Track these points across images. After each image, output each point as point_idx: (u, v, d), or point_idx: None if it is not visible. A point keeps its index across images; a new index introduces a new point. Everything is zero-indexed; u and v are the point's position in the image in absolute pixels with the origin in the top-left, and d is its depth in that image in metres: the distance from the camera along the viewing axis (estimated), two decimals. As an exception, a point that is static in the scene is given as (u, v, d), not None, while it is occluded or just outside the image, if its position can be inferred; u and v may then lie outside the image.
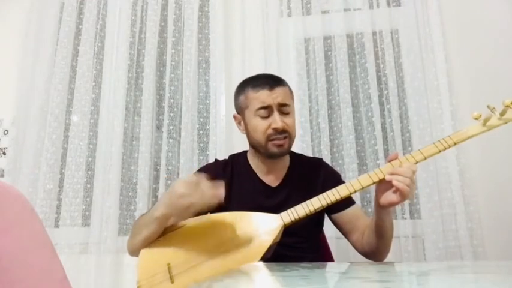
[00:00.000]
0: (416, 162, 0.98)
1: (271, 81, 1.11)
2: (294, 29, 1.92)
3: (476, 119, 0.99)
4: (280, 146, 1.09)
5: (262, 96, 1.08)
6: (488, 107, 0.99)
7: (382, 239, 1.05)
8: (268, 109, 1.08)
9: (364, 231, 1.11)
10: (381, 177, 0.98)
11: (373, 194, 1.70)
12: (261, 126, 1.09)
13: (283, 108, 1.09)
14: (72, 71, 2.03)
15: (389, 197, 0.95)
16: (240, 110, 1.16)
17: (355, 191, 0.99)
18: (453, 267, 0.74)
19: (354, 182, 0.99)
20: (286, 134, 1.09)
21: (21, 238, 0.55)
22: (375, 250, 1.08)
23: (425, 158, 0.99)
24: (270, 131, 1.09)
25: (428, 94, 1.73)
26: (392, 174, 0.94)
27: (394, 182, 0.92)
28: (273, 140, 1.09)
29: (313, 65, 1.85)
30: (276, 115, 1.08)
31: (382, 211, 1.00)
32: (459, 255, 1.56)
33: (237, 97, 1.18)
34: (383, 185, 0.96)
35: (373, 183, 0.99)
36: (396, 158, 0.99)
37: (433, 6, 1.80)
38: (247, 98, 1.12)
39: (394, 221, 1.63)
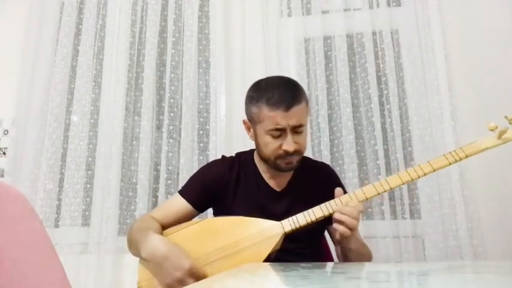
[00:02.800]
0: (425, 175, 0.97)
1: (288, 99, 1.01)
2: (294, 29, 1.92)
3: (492, 130, 0.95)
4: (289, 163, 1.07)
5: (277, 118, 1.01)
6: (506, 117, 0.95)
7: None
8: (281, 131, 1.03)
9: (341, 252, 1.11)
10: (387, 188, 0.98)
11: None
12: (271, 145, 1.05)
13: (297, 129, 1.04)
14: (72, 71, 2.03)
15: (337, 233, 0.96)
16: (252, 120, 1.10)
17: (359, 202, 0.99)
18: (453, 267, 0.74)
19: (357, 192, 0.99)
20: (295, 154, 1.05)
21: (21, 238, 0.55)
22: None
23: (435, 170, 0.97)
24: (280, 151, 1.04)
25: (428, 94, 1.73)
26: (339, 212, 0.94)
27: (335, 225, 0.94)
28: (282, 158, 1.06)
29: (313, 65, 1.85)
30: (288, 137, 1.02)
31: (338, 246, 1.02)
32: (459, 255, 1.56)
33: (249, 106, 1.09)
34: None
35: (378, 194, 0.99)
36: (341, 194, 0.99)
37: (433, 6, 1.80)
38: (261, 113, 1.04)
39: (394, 221, 1.65)
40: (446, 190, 1.63)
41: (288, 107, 1.01)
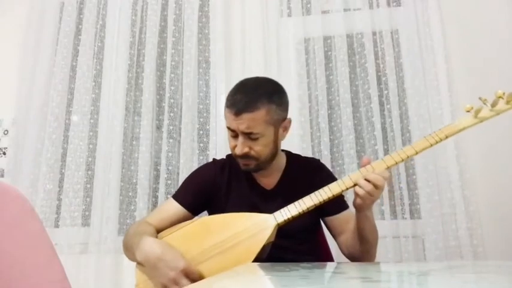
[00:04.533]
0: (408, 157, 1.00)
1: (240, 105, 1.03)
2: (294, 29, 1.92)
3: (468, 111, 0.98)
4: (245, 165, 1.10)
5: (229, 119, 1.06)
6: (480, 98, 0.99)
7: (363, 242, 1.06)
8: (234, 131, 1.06)
9: (350, 233, 1.12)
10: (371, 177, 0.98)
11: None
12: (230, 143, 1.11)
13: (250, 135, 1.05)
14: (72, 71, 2.03)
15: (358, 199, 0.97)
16: None
17: (347, 188, 0.99)
18: (453, 267, 0.74)
19: (345, 179, 1.00)
20: (250, 158, 1.08)
21: (21, 238, 0.55)
22: (357, 253, 1.09)
23: (417, 153, 0.99)
24: (234, 151, 1.09)
25: (428, 94, 1.73)
26: (366, 179, 0.96)
27: (356, 188, 0.96)
28: (238, 157, 1.09)
29: (313, 65, 1.85)
30: (239, 140, 1.06)
31: (359, 214, 1.02)
32: (459, 255, 1.56)
33: None
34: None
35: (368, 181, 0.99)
36: (368, 163, 1.00)
37: (433, 6, 1.80)
38: (224, 110, 1.09)
39: (394, 221, 1.65)
40: (446, 190, 1.63)
41: (237, 113, 1.03)
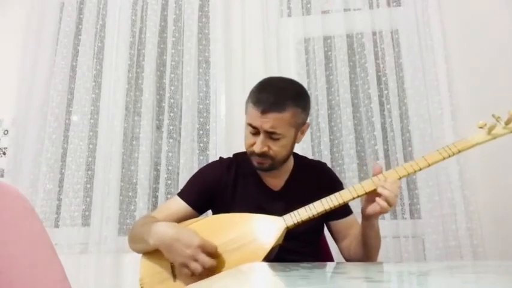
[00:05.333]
0: (420, 169, 1.00)
1: (268, 103, 1.02)
2: (294, 29, 1.92)
3: (481, 127, 1.00)
4: (259, 163, 1.09)
5: (253, 116, 1.05)
6: (493, 116, 1.00)
7: (366, 249, 1.07)
8: (256, 129, 1.05)
9: (353, 239, 1.12)
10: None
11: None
12: (247, 139, 1.09)
13: (272, 135, 1.04)
14: (72, 71, 2.03)
15: (374, 207, 0.97)
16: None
17: (358, 196, 1.00)
18: (453, 267, 0.74)
19: (357, 187, 1.00)
20: (267, 157, 1.07)
21: (21, 238, 0.55)
22: (359, 258, 1.10)
23: (429, 165, 1.00)
24: (251, 148, 1.08)
25: (428, 94, 1.73)
26: (381, 186, 0.96)
27: (377, 199, 0.96)
28: (254, 155, 1.08)
29: (313, 65, 1.85)
30: (260, 138, 1.05)
31: (366, 222, 1.02)
32: (459, 255, 1.56)
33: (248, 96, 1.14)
34: (372, 195, 0.98)
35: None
36: (380, 171, 1.01)
37: (433, 6, 1.80)
38: (247, 106, 1.09)
39: (394, 221, 1.66)
40: (446, 190, 1.63)
41: (264, 111, 1.02)
